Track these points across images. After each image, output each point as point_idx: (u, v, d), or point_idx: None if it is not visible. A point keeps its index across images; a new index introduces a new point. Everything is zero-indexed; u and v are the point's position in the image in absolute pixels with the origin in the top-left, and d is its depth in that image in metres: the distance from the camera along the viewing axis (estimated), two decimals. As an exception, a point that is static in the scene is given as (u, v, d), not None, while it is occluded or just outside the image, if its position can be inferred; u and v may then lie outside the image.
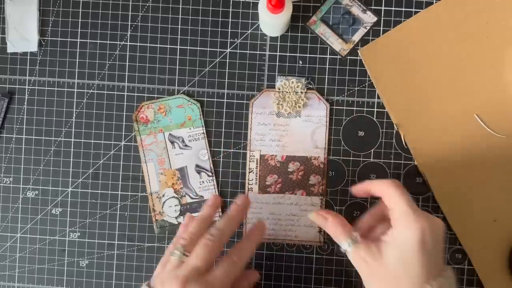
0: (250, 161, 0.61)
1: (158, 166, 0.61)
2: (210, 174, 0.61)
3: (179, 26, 0.61)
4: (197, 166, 0.61)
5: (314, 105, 0.61)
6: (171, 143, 0.61)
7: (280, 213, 0.61)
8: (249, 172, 0.61)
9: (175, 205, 0.61)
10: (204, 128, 0.61)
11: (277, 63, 0.61)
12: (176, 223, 0.61)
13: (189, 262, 0.48)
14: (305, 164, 0.61)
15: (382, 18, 0.61)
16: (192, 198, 0.61)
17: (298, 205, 0.61)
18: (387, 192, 0.50)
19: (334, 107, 0.61)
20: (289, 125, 0.61)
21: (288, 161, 0.61)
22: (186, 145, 0.61)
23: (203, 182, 0.61)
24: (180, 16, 0.61)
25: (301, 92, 0.60)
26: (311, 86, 0.61)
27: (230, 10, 0.61)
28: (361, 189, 0.54)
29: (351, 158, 0.61)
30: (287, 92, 0.60)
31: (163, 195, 0.61)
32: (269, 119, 0.61)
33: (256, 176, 0.61)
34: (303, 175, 0.61)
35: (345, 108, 0.61)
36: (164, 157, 0.61)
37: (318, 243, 0.61)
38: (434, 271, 0.48)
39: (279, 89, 0.60)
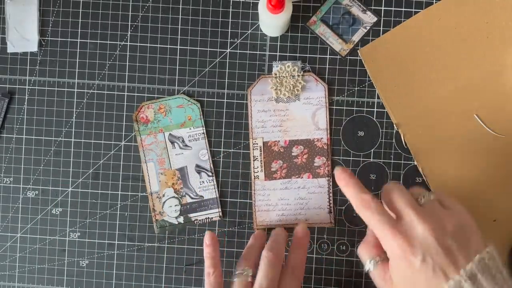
0: (253, 149, 0.61)
1: (158, 166, 0.61)
2: (210, 174, 0.61)
3: (179, 26, 0.61)
4: (197, 166, 0.61)
5: (312, 87, 0.61)
6: (171, 143, 0.61)
7: (288, 198, 0.61)
8: (253, 160, 0.61)
9: (175, 205, 0.61)
10: (204, 128, 0.61)
11: (277, 63, 0.61)
12: (176, 223, 0.61)
13: (259, 282, 0.52)
14: (308, 147, 0.61)
15: (382, 18, 0.61)
16: (192, 198, 0.61)
17: (305, 188, 0.61)
18: (367, 222, 0.50)
19: (334, 107, 0.61)
20: (289, 109, 0.61)
21: (291, 145, 0.61)
22: (186, 145, 0.61)
23: (203, 182, 0.61)
24: (180, 16, 0.61)
25: (298, 76, 0.60)
26: (307, 69, 0.60)
27: (230, 10, 0.61)
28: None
29: (351, 158, 0.61)
30: (284, 76, 0.60)
31: (163, 195, 0.61)
32: (269, 105, 0.61)
33: (261, 164, 0.61)
34: (308, 157, 0.61)
35: (345, 108, 0.61)
36: (164, 157, 0.61)
37: (329, 224, 0.61)
38: (452, 269, 0.45)
39: (276, 74, 0.60)
